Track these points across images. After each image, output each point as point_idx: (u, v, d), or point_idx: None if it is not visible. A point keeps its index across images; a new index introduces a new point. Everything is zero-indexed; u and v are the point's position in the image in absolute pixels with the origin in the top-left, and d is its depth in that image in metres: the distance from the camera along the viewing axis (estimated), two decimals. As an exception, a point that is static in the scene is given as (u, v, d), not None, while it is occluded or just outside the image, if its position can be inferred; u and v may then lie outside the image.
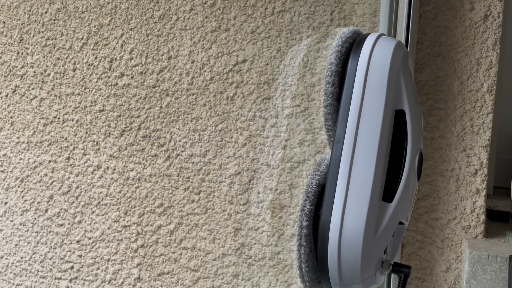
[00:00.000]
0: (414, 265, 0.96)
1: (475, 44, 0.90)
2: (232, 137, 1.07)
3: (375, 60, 0.44)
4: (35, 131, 1.24)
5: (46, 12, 1.19)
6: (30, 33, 1.22)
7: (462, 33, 0.90)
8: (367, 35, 0.48)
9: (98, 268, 1.22)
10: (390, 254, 0.46)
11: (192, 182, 1.11)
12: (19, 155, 1.26)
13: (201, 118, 1.09)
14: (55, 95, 1.22)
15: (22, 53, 1.23)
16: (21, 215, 1.28)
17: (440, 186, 0.93)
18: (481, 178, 0.91)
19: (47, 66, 1.22)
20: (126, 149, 1.16)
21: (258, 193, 1.06)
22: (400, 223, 0.45)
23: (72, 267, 1.25)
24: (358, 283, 0.42)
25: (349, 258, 0.41)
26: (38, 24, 1.21)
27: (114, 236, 1.20)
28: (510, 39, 1.00)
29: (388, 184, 0.44)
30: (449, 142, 0.92)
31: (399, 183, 0.44)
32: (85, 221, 1.22)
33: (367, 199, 0.42)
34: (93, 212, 1.21)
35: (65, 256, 1.25)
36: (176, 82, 1.11)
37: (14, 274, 1.30)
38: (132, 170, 1.16)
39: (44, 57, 1.22)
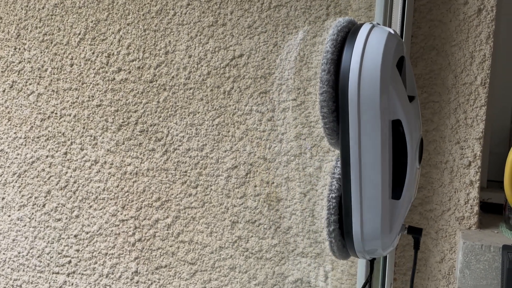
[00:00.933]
0: (408, 256, 0.98)
1: (469, 37, 0.91)
2: (229, 131, 1.08)
3: (370, 50, 0.46)
4: (32, 126, 1.25)
5: (43, 8, 1.20)
6: (27, 29, 1.22)
7: (456, 27, 0.91)
8: (361, 24, 0.49)
9: (95, 262, 1.23)
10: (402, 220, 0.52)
11: (189, 176, 1.12)
12: (16, 150, 1.26)
13: (198, 113, 1.10)
14: (53, 90, 1.22)
15: (19, 49, 1.23)
16: (19, 210, 1.28)
17: (434, 178, 0.94)
18: (475, 170, 0.92)
19: (44, 62, 1.23)
20: (123, 143, 1.17)
21: (255, 186, 1.07)
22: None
23: (69, 262, 1.26)
24: (378, 250, 0.50)
25: (371, 246, 0.49)
26: (35, 20, 1.22)
27: (112, 230, 1.20)
28: (503, 33, 1.01)
29: (395, 184, 0.48)
30: (443, 135, 0.93)
31: (404, 183, 0.48)
32: (83, 215, 1.23)
33: (379, 205, 0.47)
34: (90, 206, 1.22)
35: (62, 250, 1.26)
36: (173, 77, 1.11)
37: (12, 269, 1.30)
38: (129, 164, 1.17)
39: (41, 52, 1.23)
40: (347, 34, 0.48)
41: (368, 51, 0.45)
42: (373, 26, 0.48)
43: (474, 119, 0.91)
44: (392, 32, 0.48)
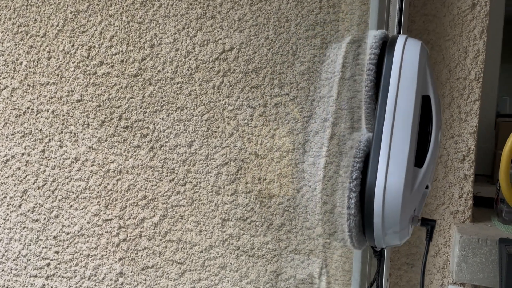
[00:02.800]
0: (403, 250, 0.98)
1: (462, 32, 0.91)
2: (219, 127, 1.05)
3: (407, 55, 0.54)
4: (6, 123, 1.18)
5: (18, -3, 1.14)
6: (0, 20, 1.16)
7: (450, 22, 0.91)
8: (397, 36, 0.57)
9: (77, 264, 1.18)
10: (417, 211, 0.56)
11: (177, 173, 1.08)
12: (-11, 148, 1.19)
13: (186, 108, 1.06)
14: (28, 85, 1.16)
15: (-8, 41, 1.17)
16: (-8, 211, 1.21)
17: (428, 173, 0.94)
18: (469, 164, 0.93)
19: (19, 54, 1.16)
20: (106, 140, 1.12)
21: (246, 183, 1.04)
22: (426, 187, 0.55)
23: (48, 264, 1.20)
24: (396, 233, 0.53)
25: (391, 212, 0.51)
26: (9, 10, 1.15)
27: (94, 231, 1.16)
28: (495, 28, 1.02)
29: (418, 153, 0.53)
30: (438, 129, 0.93)
31: (427, 152, 0.54)
32: (63, 215, 1.17)
33: (404, 165, 0.51)
34: (71, 206, 1.17)
35: (40, 253, 1.20)
36: (159, 71, 1.07)
37: (-15, 273, 1.24)
38: (113, 162, 1.12)
39: (15, 44, 1.16)
40: (386, 42, 0.55)
41: (406, 57, 0.54)
42: (407, 38, 0.56)
43: (468, 113, 0.92)
44: (422, 43, 0.56)
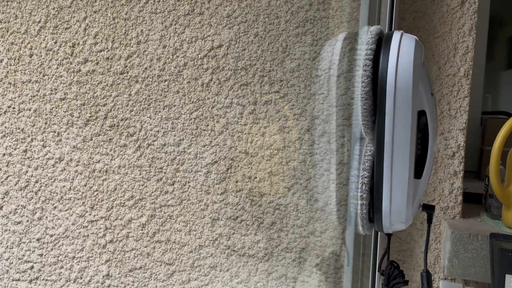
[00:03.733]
0: (394, 247, 0.98)
1: (452, 29, 0.92)
2: (208, 125, 1.03)
3: (403, 50, 0.54)
4: (-14, 122, 1.15)
5: (-2, -7, 1.10)
6: (-21, 15, 1.12)
7: (439, 19, 0.92)
8: (393, 32, 0.58)
9: (62, 267, 1.15)
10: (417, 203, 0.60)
11: (165, 173, 1.07)
12: (-32, 148, 1.15)
13: (174, 106, 1.05)
14: (9, 83, 1.13)
15: (-30, 37, 1.13)
16: (-28, 213, 1.17)
17: (419, 169, 0.95)
18: (459, 160, 0.93)
19: (-1, 52, 1.13)
20: (91, 139, 1.10)
21: (237, 182, 1.03)
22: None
23: (32, 267, 1.17)
24: (402, 223, 0.57)
25: (397, 218, 0.56)
26: (-12, 6, 1.12)
27: (80, 232, 1.13)
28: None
29: (417, 165, 0.56)
30: (428, 126, 0.94)
31: (424, 165, 0.56)
32: (46, 217, 1.14)
33: (405, 184, 0.54)
34: (55, 207, 1.14)
35: (23, 255, 1.17)
36: (146, 68, 1.05)
37: (-36, 278, 1.20)
38: (98, 161, 1.10)
39: (-5, 41, 1.13)
40: (381, 40, 0.55)
41: (402, 52, 0.53)
42: (402, 34, 0.56)
43: (457, 110, 0.93)
44: (416, 39, 0.57)
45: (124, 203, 1.09)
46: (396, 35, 0.55)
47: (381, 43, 0.54)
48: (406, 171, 0.53)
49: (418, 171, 0.55)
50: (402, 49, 0.53)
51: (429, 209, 0.64)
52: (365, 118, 0.54)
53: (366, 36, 0.54)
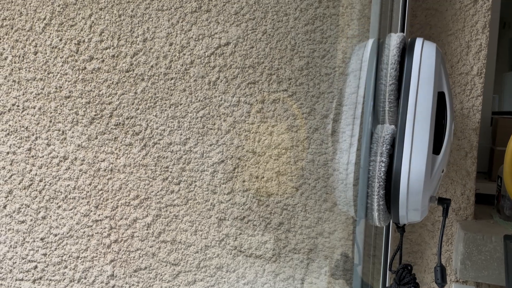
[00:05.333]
0: (404, 249, 0.96)
1: (465, 27, 0.90)
2: (214, 124, 1.02)
3: (425, 55, 0.60)
4: (-10, 120, 1.13)
5: (2, -11, 1.09)
6: (-16, 12, 1.11)
7: (452, 16, 0.90)
8: (415, 38, 0.64)
9: (66, 267, 1.14)
10: (434, 192, 0.65)
11: (171, 172, 1.05)
12: (-28, 146, 1.14)
13: (181, 104, 1.03)
14: (14, 81, 1.12)
15: (-26, 34, 1.11)
16: (-25, 212, 1.16)
17: (430, 170, 0.93)
18: (471, 160, 0.92)
19: (3, 49, 1.11)
20: (96, 138, 1.08)
21: (244, 181, 1.02)
22: (442, 171, 0.64)
23: (35, 267, 1.15)
24: (417, 210, 0.60)
25: (414, 193, 0.59)
26: (-8, 2, 1.10)
27: (84, 232, 1.12)
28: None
29: (436, 142, 0.61)
30: (440, 126, 0.92)
31: (443, 141, 0.61)
32: (50, 216, 1.13)
33: (425, 153, 0.59)
34: (59, 206, 1.12)
35: (27, 255, 1.16)
36: (152, 66, 1.04)
37: (-33, 277, 1.18)
38: (103, 160, 1.09)
39: (0, 39, 1.11)
40: (405, 45, 0.63)
41: (424, 58, 0.60)
42: (424, 40, 0.63)
43: (470, 109, 0.91)
44: (436, 45, 0.64)
45: (129, 202, 1.08)
46: (419, 42, 0.62)
47: (405, 49, 0.61)
48: (426, 143, 0.58)
49: (437, 148, 0.60)
50: (424, 54, 0.60)
51: (444, 202, 0.67)
52: (391, 114, 0.60)
53: (393, 41, 0.61)
